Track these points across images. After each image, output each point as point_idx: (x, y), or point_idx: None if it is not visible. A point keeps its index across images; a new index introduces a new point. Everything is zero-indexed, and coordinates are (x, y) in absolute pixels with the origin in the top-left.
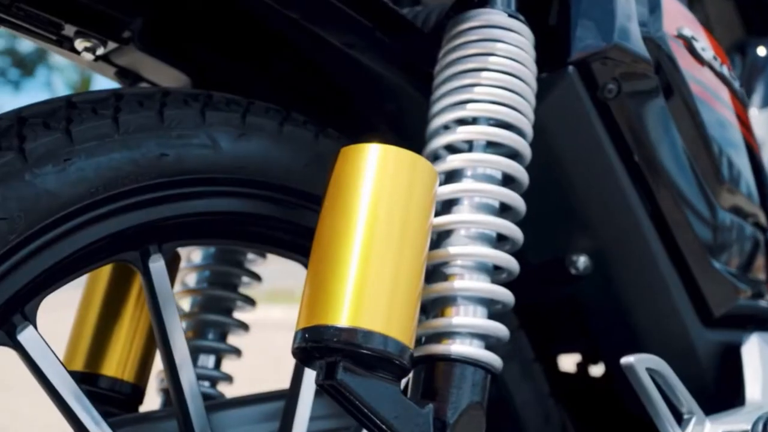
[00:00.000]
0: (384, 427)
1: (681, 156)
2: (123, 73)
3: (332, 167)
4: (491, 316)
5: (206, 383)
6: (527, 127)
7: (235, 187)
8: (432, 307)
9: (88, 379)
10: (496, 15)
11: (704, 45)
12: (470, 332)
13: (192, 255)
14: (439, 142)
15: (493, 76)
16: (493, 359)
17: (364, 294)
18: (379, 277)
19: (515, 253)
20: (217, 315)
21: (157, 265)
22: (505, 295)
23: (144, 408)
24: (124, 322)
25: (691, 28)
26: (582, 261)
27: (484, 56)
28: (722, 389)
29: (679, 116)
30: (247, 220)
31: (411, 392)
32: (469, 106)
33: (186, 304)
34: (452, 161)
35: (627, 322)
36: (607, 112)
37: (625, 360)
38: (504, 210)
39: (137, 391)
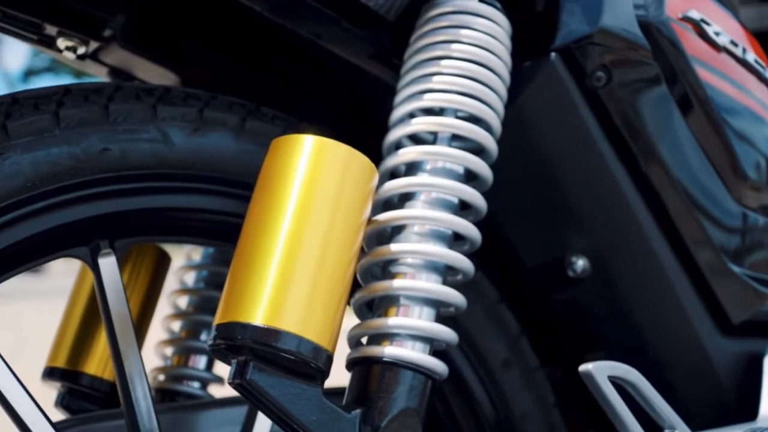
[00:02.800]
0: (301, 430)
1: (689, 149)
2: (115, 72)
3: (264, 158)
4: (444, 318)
5: (196, 384)
6: (494, 121)
7: (189, 182)
8: (377, 306)
9: (69, 377)
10: (466, 1)
11: (718, 29)
12: (411, 334)
13: (193, 254)
14: (398, 132)
15: (456, 65)
16: (434, 364)
17: (280, 292)
18: (299, 274)
19: (510, 253)
20: (212, 316)
21: (107, 261)
22: (455, 296)
23: None
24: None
25: (703, 10)
26: (580, 263)
27: (448, 44)
28: (740, 403)
29: (685, 106)
30: (204, 217)
31: (346, 395)
32: (427, 96)
33: (183, 303)
34: (407, 154)
35: (631, 328)
36: (597, 102)
37: (583, 367)
38: (464, 208)
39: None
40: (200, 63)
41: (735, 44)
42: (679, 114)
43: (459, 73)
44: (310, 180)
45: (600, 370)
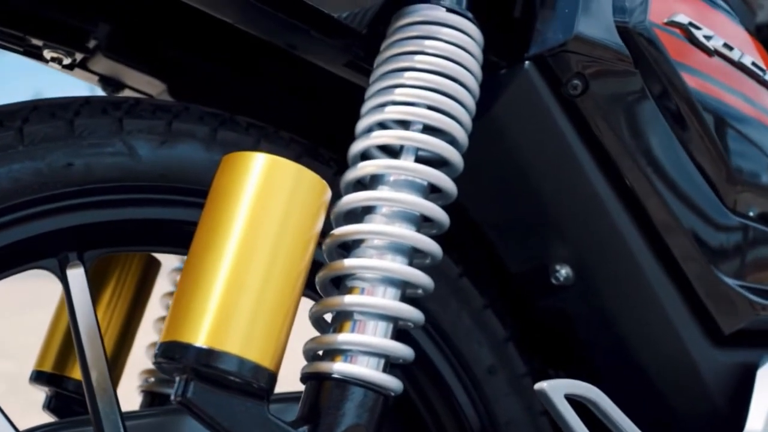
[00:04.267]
0: None
1: (674, 157)
2: (105, 81)
3: (215, 174)
4: (400, 333)
5: None
6: (459, 133)
7: (156, 194)
8: (333, 320)
9: (55, 381)
10: (433, 10)
11: (709, 32)
12: (363, 350)
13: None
14: (362, 143)
15: (420, 77)
16: (386, 381)
17: (222, 312)
18: (242, 294)
19: (497, 259)
20: None
21: (75, 272)
22: (411, 312)
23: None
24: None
25: (692, 13)
26: (563, 271)
27: (414, 55)
28: (729, 415)
29: (671, 114)
30: (172, 228)
31: (298, 411)
32: (389, 108)
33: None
34: (366, 167)
35: (616, 337)
36: (574, 111)
37: (538, 385)
38: (426, 221)
39: None
40: (186, 71)
41: (729, 47)
42: (664, 122)
43: (423, 85)
44: (257, 199)
45: (555, 389)
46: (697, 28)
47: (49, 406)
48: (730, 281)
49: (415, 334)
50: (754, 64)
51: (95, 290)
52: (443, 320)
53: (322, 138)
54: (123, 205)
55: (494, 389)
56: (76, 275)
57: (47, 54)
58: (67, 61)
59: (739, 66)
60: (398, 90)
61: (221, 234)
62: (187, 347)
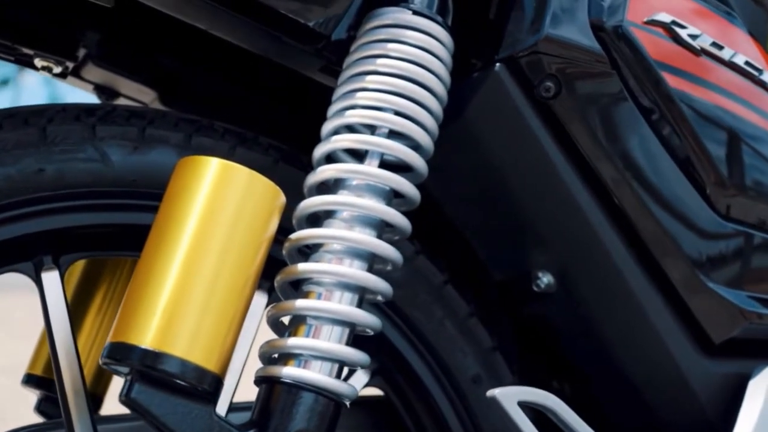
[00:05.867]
0: None
1: (656, 161)
2: (100, 89)
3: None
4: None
5: None
6: (423, 139)
7: (130, 199)
8: (290, 324)
9: (45, 384)
10: (400, 13)
11: (695, 31)
12: (316, 355)
13: None
14: (325, 147)
15: (385, 81)
16: (338, 386)
17: (168, 315)
18: (189, 298)
19: (482, 266)
20: None
21: (50, 276)
22: (365, 318)
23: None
24: (83, 331)
25: (677, 12)
26: (545, 278)
27: (375, 58)
28: (719, 427)
29: (653, 115)
30: (145, 233)
31: (252, 414)
32: (350, 113)
33: None
34: (324, 171)
35: (600, 345)
36: (548, 114)
37: (490, 392)
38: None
39: (94, 399)
40: (176, 79)
41: (719, 46)
42: (645, 124)
43: (386, 89)
44: (207, 203)
45: (507, 396)
46: (682, 26)
47: (40, 408)
48: (719, 289)
49: (397, 343)
50: (748, 63)
51: (85, 294)
52: (426, 328)
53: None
54: (96, 210)
55: (479, 399)
56: (51, 278)
57: (38, 63)
58: (57, 69)
59: (731, 65)
60: (360, 94)
61: (170, 237)
62: (132, 348)
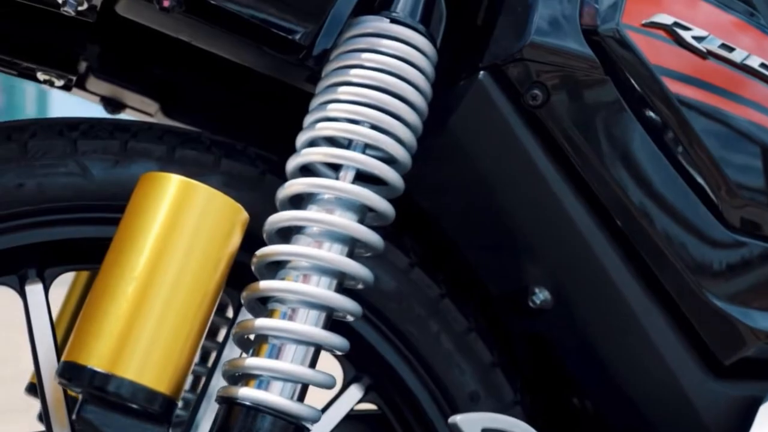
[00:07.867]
0: None
1: (655, 170)
2: (106, 101)
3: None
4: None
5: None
6: (398, 152)
7: (112, 213)
8: (253, 343)
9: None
10: (378, 22)
11: (702, 33)
12: (277, 377)
13: None
14: (297, 160)
15: (360, 92)
16: (298, 410)
17: (119, 336)
18: (141, 318)
19: (479, 280)
20: None
21: (34, 289)
22: (330, 338)
23: None
24: None
25: (680, 12)
26: (542, 294)
27: (349, 69)
28: None
29: (652, 123)
30: None
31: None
32: (321, 125)
33: None
34: (293, 186)
35: (600, 364)
36: (536, 123)
37: (452, 420)
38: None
39: None
40: (176, 90)
41: (729, 48)
42: (643, 132)
43: (361, 101)
44: (164, 221)
45: (470, 422)
46: (685, 28)
47: (41, 417)
48: (727, 306)
49: (390, 359)
50: (763, 65)
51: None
52: (421, 343)
53: None
54: (78, 224)
55: None
56: (36, 291)
57: (40, 76)
58: (59, 83)
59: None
60: (333, 105)
61: (127, 254)
62: (83, 369)
